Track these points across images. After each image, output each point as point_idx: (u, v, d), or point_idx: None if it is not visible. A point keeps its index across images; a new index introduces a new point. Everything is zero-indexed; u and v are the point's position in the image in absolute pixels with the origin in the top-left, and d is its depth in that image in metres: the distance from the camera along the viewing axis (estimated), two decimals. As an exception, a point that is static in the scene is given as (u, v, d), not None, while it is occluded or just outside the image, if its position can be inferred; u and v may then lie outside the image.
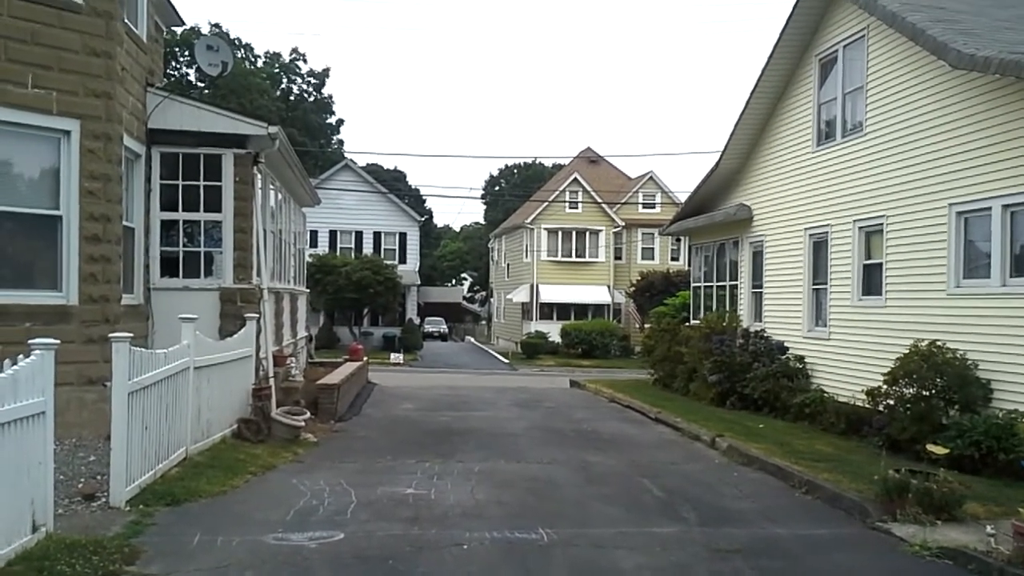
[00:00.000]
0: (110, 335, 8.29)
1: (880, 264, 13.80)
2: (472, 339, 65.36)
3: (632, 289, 42.59)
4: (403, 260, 48.13)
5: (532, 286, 48.62)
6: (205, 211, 13.29)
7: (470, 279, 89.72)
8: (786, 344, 16.71)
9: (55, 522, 6.87)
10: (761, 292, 18.44)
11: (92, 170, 10.66)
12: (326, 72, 66.71)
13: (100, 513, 7.60)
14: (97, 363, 10.21)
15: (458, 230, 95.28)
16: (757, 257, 18.71)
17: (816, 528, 8.29)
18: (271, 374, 13.51)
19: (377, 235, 48.63)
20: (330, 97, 67.99)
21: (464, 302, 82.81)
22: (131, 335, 8.37)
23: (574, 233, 49.19)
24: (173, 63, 52.36)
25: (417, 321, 50.45)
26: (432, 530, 7.68)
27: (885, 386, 11.97)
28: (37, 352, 6.62)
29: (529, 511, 8.55)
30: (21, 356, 6.52)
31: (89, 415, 10.00)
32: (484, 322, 71.64)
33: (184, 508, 8.09)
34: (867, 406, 12.68)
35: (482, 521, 8.06)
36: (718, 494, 9.72)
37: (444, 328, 64.65)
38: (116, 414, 7.92)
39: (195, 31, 51.33)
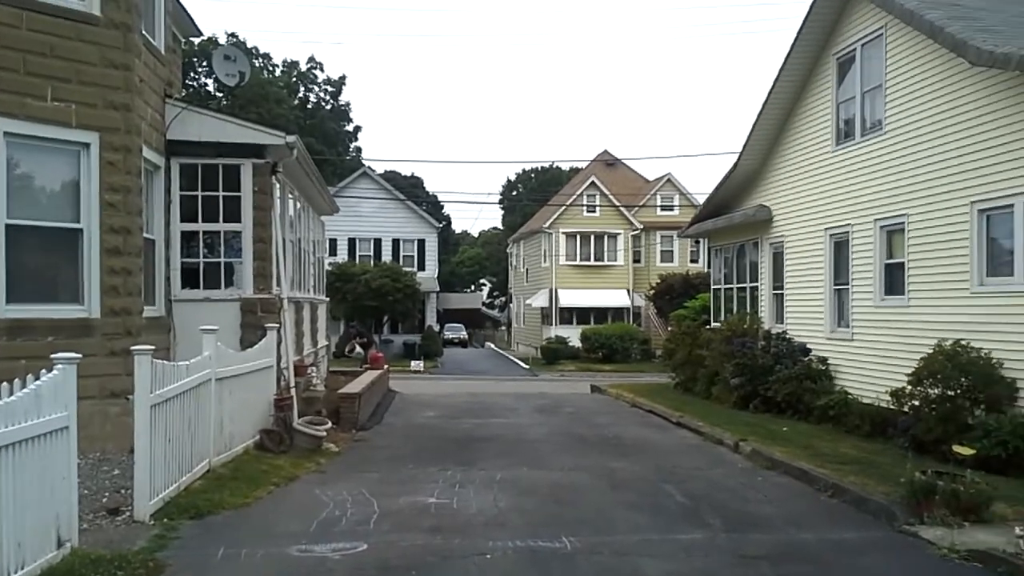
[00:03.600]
0: (132, 348, 8.31)
1: (902, 263, 13.66)
2: (492, 345, 65.37)
3: (651, 292, 42.43)
4: (422, 267, 48.27)
5: (551, 291, 48.55)
6: (225, 221, 13.36)
7: (489, 285, 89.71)
8: (808, 346, 16.57)
9: (80, 537, 6.90)
10: (782, 293, 18.30)
11: (112, 182, 10.72)
12: (343, 80, 67.12)
13: (124, 527, 7.63)
14: (120, 376, 10.24)
15: (476, 236, 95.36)
16: (777, 258, 18.57)
17: (843, 532, 8.19)
18: (292, 384, 13.53)
19: (396, 242, 48.81)
20: (347, 105, 68.35)
21: (483, 308, 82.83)
22: (153, 347, 8.40)
23: (592, 237, 49.09)
24: (191, 74, 52.78)
25: (437, 328, 50.56)
26: (455, 539, 7.66)
27: (909, 387, 11.83)
28: (59, 366, 6.66)
29: (552, 519, 8.51)
30: (44, 371, 6.55)
31: (112, 428, 10.05)
32: (504, 328, 71.63)
33: (208, 521, 8.12)
34: (892, 407, 12.54)
35: (505, 530, 8.03)
36: (743, 499, 9.64)
37: (464, 334, 64.69)
38: (139, 427, 7.95)
39: (213, 41, 51.70)
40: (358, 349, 29.29)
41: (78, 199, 10.55)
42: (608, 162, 56.38)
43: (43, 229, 10.34)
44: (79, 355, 6.97)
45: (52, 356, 6.78)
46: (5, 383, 6.05)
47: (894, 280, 13.99)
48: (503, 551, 7.30)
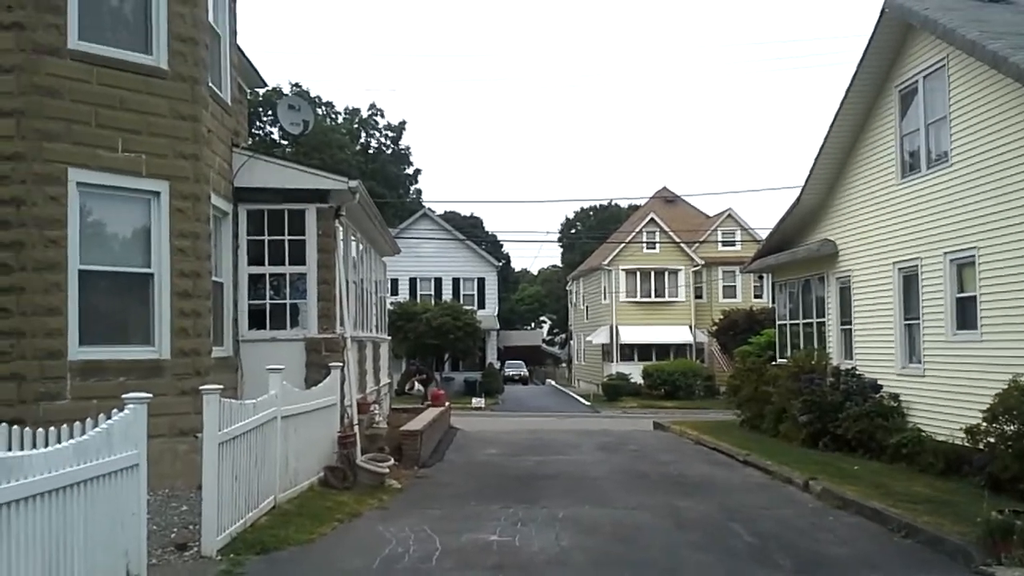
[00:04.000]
0: (201, 387, 8.53)
1: (974, 297, 13.27)
2: (552, 382, 65.13)
3: (715, 328, 41.91)
4: (482, 305, 48.50)
5: (612, 327, 48.30)
6: (290, 264, 13.67)
7: (549, 322, 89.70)
8: (879, 382, 16.14)
9: (149, 572, 7.05)
10: (850, 328, 17.91)
11: (181, 229, 11.07)
12: (403, 125, 68.39)
13: (192, 563, 7.77)
14: (189, 415, 10.48)
15: (536, 273, 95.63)
16: (844, 292, 18.21)
17: (916, 573, 7.95)
18: (355, 421, 13.68)
19: (456, 281, 49.19)
20: (407, 148, 69.57)
21: (544, 345, 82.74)
22: (221, 387, 8.60)
23: (652, 273, 48.81)
24: (257, 123, 54.38)
25: (497, 365, 50.60)
26: (517, 578, 7.61)
27: (985, 423, 11.41)
28: (131, 406, 6.85)
29: (616, 558, 8.40)
30: (115, 410, 6.75)
31: (182, 466, 10.27)
32: (564, 365, 71.39)
33: (273, 556, 8.21)
34: (966, 444, 12.10)
35: (567, 568, 7.95)
36: (813, 539, 9.39)
37: (524, 371, 64.61)
38: (207, 464, 8.12)
39: (277, 91, 53.23)
40: (418, 386, 29.55)
41: (149, 245, 10.90)
42: (667, 199, 56.17)
43: (115, 274, 10.71)
44: (150, 395, 7.17)
45: (123, 396, 6.98)
46: (78, 422, 6.25)
47: (966, 314, 13.59)
48: (566, 590, 7.23)
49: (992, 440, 11.30)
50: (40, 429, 6.15)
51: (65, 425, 6.15)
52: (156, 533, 8.33)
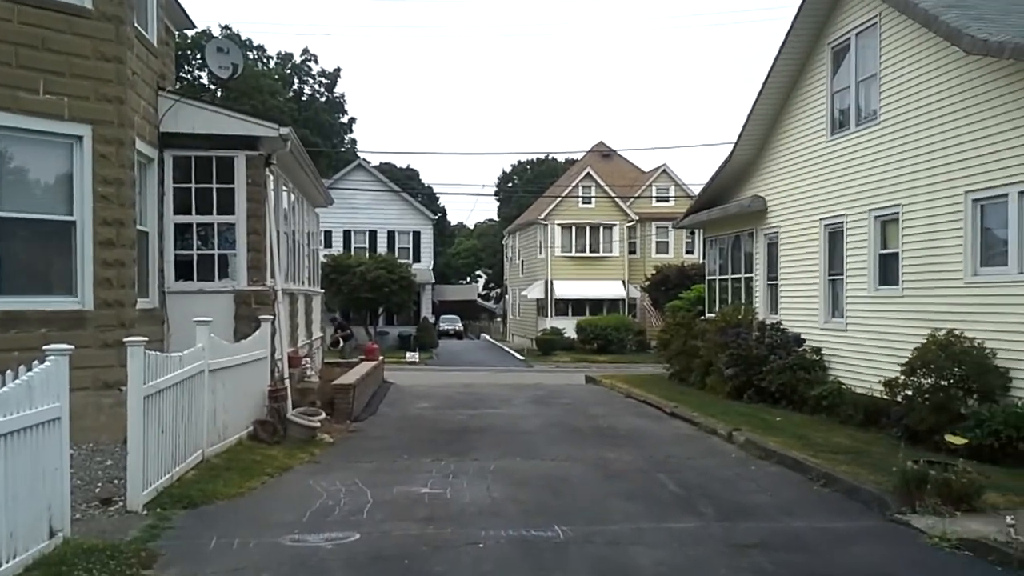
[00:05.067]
0: (125, 339, 8.32)
1: (896, 253, 13.68)
2: (488, 336, 65.38)
3: (647, 283, 42.44)
4: (417, 259, 48.16)
5: (547, 282, 48.57)
6: (218, 213, 13.34)
7: (485, 276, 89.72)
8: (803, 336, 16.60)
9: (72, 527, 6.92)
10: (777, 284, 18.33)
11: (105, 175, 10.70)
12: (337, 72, 66.83)
13: (117, 517, 7.64)
14: (113, 367, 10.23)
15: (472, 227, 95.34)
16: (772, 249, 18.59)
17: (835, 521, 8.23)
18: (286, 375, 13.54)
19: (391, 234, 48.69)
20: (342, 96, 68.07)
21: (479, 300, 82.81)
22: (146, 339, 8.40)
23: (588, 228, 49.11)
24: (185, 66, 52.51)
25: (432, 319, 50.49)
26: (448, 529, 7.68)
27: (903, 376, 11.87)
28: (52, 358, 6.66)
29: (545, 509, 8.53)
30: (36, 362, 6.55)
31: (106, 419, 10.05)
32: (499, 319, 71.65)
33: (201, 511, 8.12)
34: (885, 397, 12.58)
35: (498, 519, 8.05)
36: (736, 489, 9.67)
37: (459, 326, 64.68)
38: (132, 418, 7.96)
39: (207, 34, 51.46)
40: (341, 343, 29.66)
41: (71, 192, 10.53)
42: (604, 153, 56.33)
43: (36, 222, 10.33)
44: (71, 347, 6.98)
45: (44, 348, 6.78)
46: (-2, 374, 6.04)
47: (888, 270, 14.01)
48: (496, 540, 7.32)
49: (910, 393, 11.76)
50: (-45, 382, 5.92)
51: (-18, 378, 5.94)
52: (80, 488, 8.17)
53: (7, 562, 5.79)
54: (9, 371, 6.21)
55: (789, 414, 15.08)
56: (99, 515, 7.67)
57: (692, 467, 10.92)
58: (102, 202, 10.66)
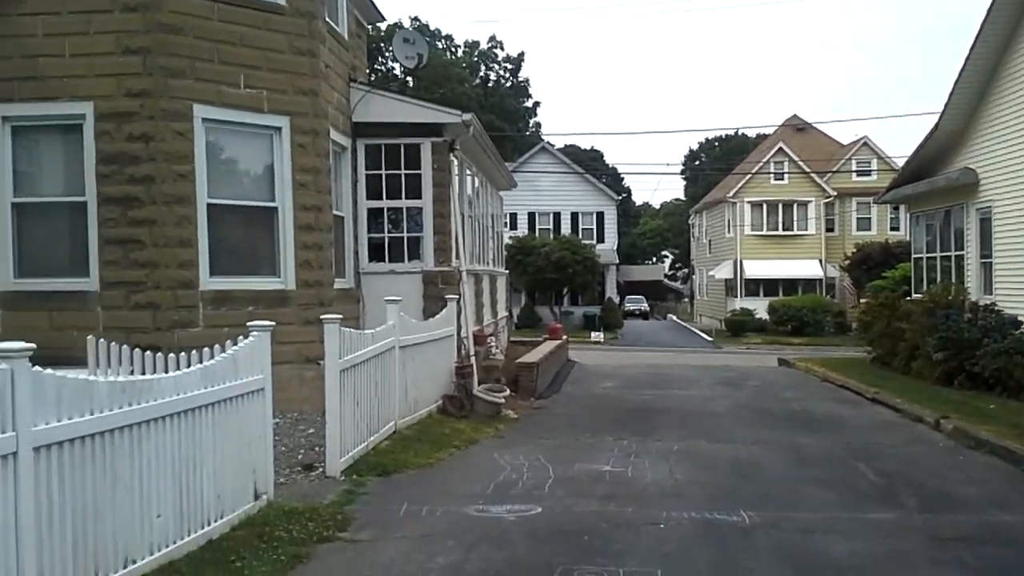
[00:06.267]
0: (323, 317, 8.80)
1: None
2: (674, 317, 64.37)
3: (846, 262, 40.16)
4: (601, 239, 48.09)
5: (736, 261, 47.10)
6: (407, 198, 13.86)
7: (671, 256, 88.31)
8: (1020, 318, 15.14)
9: (276, 490, 7.42)
10: (991, 262, 16.80)
11: (303, 164, 11.35)
12: (521, 57, 67.80)
13: (317, 482, 8.12)
14: (314, 343, 10.76)
15: (658, 207, 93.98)
16: (985, 224, 17.04)
17: (1057, 518, 7.45)
18: (472, 352, 13.89)
19: (575, 215, 48.86)
20: (526, 81, 69.01)
21: (665, 280, 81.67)
22: (341, 316, 8.84)
23: (780, 205, 47.11)
24: (379, 58, 55.00)
25: (617, 300, 50.32)
26: (628, 508, 7.60)
27: None
28: (255, 334, 7.13)
29: (731, 492, 8.26)
30: (241, 337, 7.04)
31: (308, 391, 10.66)
32: (686, 300, 70.37)
33: (393, 479, 8.49)
34: (1122, 384, 11.23)
35: (680, 500, 7.88)
36: (941, 479, 8.98)
37: (645, 306, 64.03)
38: (329, 390, 8.42)
39: (398, 26, 53.52)
40: None
41: (272, 179, 11.24)
42: (798, 127, 53.67)
43: (242, 208, 11.10)
44: (273, 323, 7.44)
45: (248, 324, 7.27)
46: (207, 348, 6.54)
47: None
48: (677, 521, 7.17)
49: None
50: (172, 355, 6.46)
51: (195, 352, 6.45)
52: (284, 454, 8.74)
53: (215, 521, 6.29)
54: (218, 346, 6.71)
55: (1004, 402, 13.81)
56: (301, 480, 8.18)
57: (893, 456, 10.24)
58: (300, 189, 11.31)
